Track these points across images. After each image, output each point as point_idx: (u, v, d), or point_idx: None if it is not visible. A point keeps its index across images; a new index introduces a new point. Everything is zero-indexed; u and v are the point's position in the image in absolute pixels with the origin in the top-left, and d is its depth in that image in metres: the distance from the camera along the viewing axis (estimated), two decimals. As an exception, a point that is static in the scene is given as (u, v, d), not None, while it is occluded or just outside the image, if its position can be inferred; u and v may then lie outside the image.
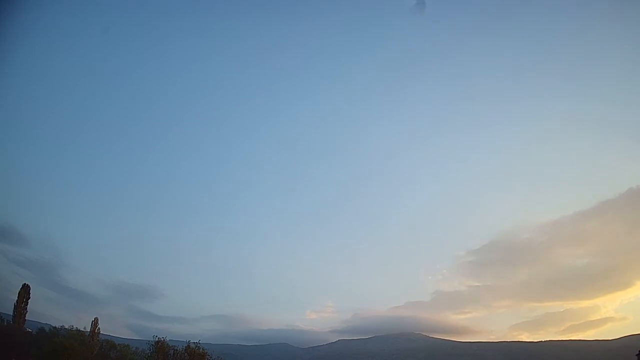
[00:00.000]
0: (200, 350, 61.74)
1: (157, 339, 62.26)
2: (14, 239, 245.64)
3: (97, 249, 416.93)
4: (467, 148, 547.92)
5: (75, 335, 71.28)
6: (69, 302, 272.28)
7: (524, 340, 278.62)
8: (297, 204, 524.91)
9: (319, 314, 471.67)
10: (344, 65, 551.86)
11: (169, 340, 63.91)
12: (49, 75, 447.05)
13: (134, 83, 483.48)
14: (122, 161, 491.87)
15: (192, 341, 62.34)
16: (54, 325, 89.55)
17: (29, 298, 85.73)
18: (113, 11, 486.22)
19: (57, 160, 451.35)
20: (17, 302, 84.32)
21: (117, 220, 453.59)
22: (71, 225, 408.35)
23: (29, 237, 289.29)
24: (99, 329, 77.01)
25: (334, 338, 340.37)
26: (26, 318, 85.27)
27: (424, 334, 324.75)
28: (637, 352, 70.17)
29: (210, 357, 64.02)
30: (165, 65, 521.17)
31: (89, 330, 75.85)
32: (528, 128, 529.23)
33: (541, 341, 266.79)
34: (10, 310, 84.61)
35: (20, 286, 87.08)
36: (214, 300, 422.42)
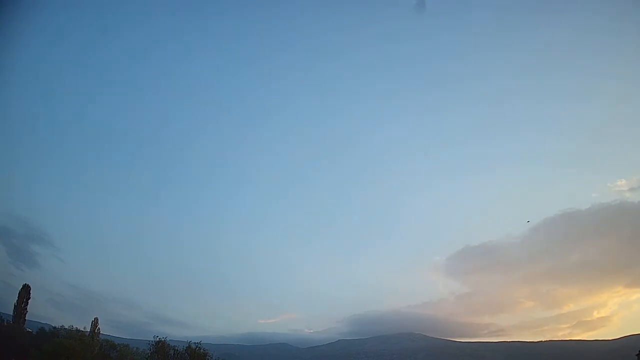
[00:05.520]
0: (201, 350, 61.61)
1: (157, 339, 62.24)
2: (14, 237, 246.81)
3: (99, 251, 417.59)
4: (468, 149, 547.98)
5: (75, 335, 71.13)
6: (69, 302, 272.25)
7: (524, 340, 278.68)
8: (297, 205, 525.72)
9: (318, 314, 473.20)
10: (349, 64, 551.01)
11: (169, 340, 63.91)
12: (42, 75, 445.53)
13: (125, 85, 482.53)
14: (116, 163, 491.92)
15: (192, 341, 62.28)
16: (54, 325, 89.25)
17: (29, 298, 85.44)
18: (105, 10, 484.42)
19: (53, 160, 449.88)
20: (17, 302, 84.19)
21: (121, 223, 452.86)
22: (73, 225, 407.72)
23: (31, 236, 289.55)
24: (99, 329, 76.78)
25: (334, 338, 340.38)
26: (26, 318, 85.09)
27: (424, 334, 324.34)
28: (637, 352, 70.20)
29: (211, 358, 63.89)
30: (159, 66, 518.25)
31: (89, 330, 75.69)
32: (532, 124, 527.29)
33: (541, 341, 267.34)
34: (10, 310, 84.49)
35: (21, 286, 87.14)
36: (216, 302, 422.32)
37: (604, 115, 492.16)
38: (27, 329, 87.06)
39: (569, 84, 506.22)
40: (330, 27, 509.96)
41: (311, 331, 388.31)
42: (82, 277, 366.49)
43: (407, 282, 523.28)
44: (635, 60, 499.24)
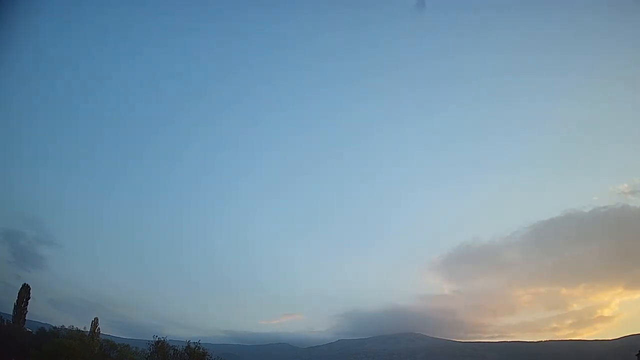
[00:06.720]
0: (201, 350, 61.57)
1: (157, 339, 62.23)
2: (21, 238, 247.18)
3: (100, 251, 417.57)
4: (464, 147, 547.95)
5: (75, 335, 71.10)
6: (70, 302, 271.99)
7: (524, 340, 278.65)
8: (294, 203, 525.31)
9: (318, 314, 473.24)
10: (346, 64, 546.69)
11: (169, 340, 63.91)
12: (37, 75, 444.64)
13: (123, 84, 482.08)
14: (116, 162, 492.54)
15: (192, 341, 62.26)
16: (54, 325, 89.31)
17: (29, 298, 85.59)
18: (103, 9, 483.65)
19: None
20: (17, 302, 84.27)
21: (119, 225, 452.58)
22: (74, 225, 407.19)
23: (36, 236, 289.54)
24: (99, 329, 76.76)
25: (334, 338, 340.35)
26: (26, 318, 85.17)
27: (424, 334, 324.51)
28: (637, 352, 70.26)
29: (211, 357, 63.79)
30: (157, 64, 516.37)
31: (89, 330, 75.73)
32: (533, 125, 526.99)
33: (541, 341, 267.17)
34: (10, 310, 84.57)
35: (21, 286, 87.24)
36: (216, 303, 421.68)
37: (606, 118, 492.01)
38: (27, 329, 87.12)
39: (571, 85, 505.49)
40: (326, 26, 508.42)
41: (311, 331, 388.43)
42: (84, 278, 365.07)
43: (407, 282, 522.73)
44: (637, 62, 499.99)
